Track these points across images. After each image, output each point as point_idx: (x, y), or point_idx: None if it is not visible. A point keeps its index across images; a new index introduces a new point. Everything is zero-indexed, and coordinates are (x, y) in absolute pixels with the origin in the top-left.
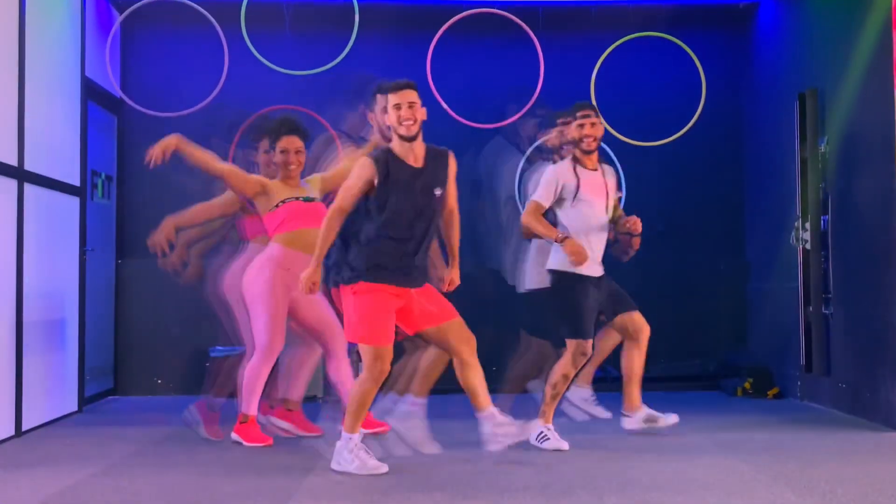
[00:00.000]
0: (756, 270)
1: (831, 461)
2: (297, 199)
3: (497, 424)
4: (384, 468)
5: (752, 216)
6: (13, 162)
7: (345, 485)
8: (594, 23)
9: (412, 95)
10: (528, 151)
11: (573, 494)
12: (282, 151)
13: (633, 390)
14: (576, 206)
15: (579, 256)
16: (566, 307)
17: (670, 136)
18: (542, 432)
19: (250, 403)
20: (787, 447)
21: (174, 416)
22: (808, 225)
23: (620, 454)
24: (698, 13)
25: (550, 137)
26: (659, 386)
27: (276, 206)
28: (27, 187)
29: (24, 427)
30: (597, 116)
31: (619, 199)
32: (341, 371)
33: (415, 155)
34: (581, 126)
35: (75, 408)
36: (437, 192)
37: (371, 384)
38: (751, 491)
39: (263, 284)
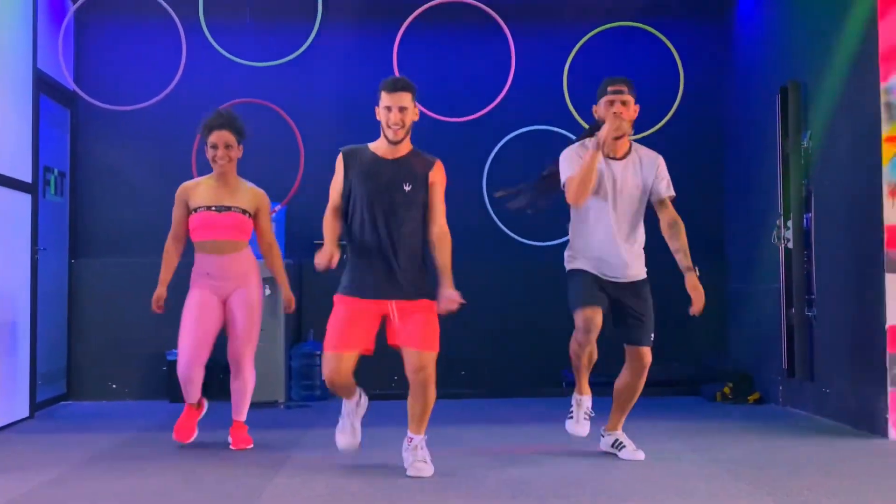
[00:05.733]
0: (736, 271)
1: (814, 469)
2: (208, 208)
3: (415, 456)
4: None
5: (732, 214)
6: None
7: (308, 490)
8: (568, 12)
9: (405, 99)
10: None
11: (566, 496)
12: (212, 146)
13: (614, 413)
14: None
15: (613, 121)
16: (570, 289)
17: (647, 130)
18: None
19: (187, 397)
20: (769, 454)
21: (129, 421)
22: (790, 223)
23: (597, 461)
24: (676, 2)
25: (597, 109)
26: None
27: (193, 211)
28: None
29: None
30: (631, 93)
31: (670, 199)
32: (236, 377)
33: (394, 152)
34: (610, 103)
35: (27, 413)
36: (407, 187)
37: (334, 391)
38: (731, 499)
39: (190, 290)
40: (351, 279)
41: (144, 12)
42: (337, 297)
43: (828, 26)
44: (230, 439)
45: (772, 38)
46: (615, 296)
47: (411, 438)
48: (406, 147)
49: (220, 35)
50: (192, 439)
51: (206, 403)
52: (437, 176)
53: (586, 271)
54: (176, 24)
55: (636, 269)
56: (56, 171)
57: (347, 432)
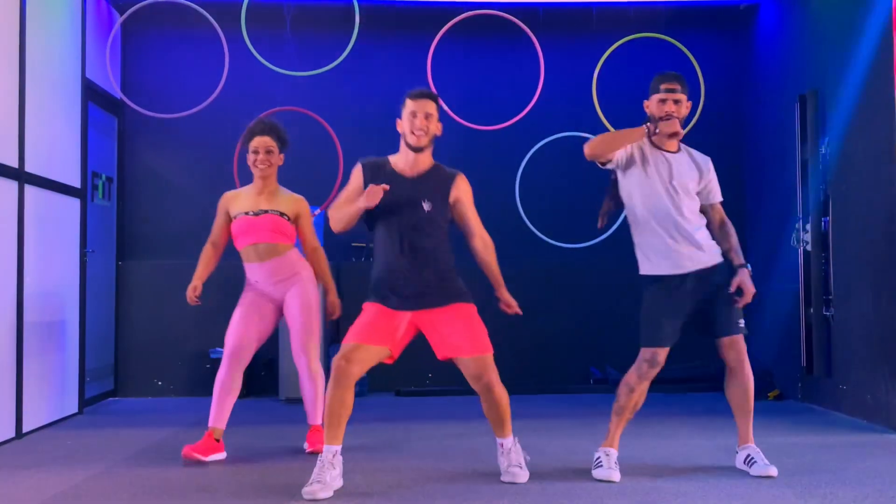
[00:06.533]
0: (756, 272)
1: (832, 462)
2: (246, 213)
3: (509, 461)
4: (325, 494)
5: (752, 217)
6: (13, 164)
7: (345, 481)
8: (595, 24)
9: (430, 107)
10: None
11: (574, 496)
12: (253, 151)
13: (739, 424)
14: (641, 188)
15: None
16: (643, 309)
17: None
18: (597, 456)
19: (215, 415)
20: (788, 449)
21: (174, 417)
22: (808, 226)
23: (620, 456)
24: (699, 14)
25: (649, 104)
26: (660, 388)
27: (233, 218)
28: (27, 189)
29: (25, 429)
30: (683, 91)
31: (719, 203)
32: (304, 376)
33: (414, 166)
34: (663, 101)
35: (76, 409)
36: (426, 205)
37: (331, 383)
38: (752, 493)
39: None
40: (375, 288)
41: (188, 24)
42: (364, 305)
43: (845, 37)
44: (306, 445)
45: (791, 48)
46: (697, 294)
47: (501, 444)
48: (427, 161)
49: (261, 46)
50: (201, 459)
51: (224, 452)
52: (461, 191)
53: (662, 278)
54: (219, 35)
55: (711, 253)
56: (104, 176)
57: (316, 486)
